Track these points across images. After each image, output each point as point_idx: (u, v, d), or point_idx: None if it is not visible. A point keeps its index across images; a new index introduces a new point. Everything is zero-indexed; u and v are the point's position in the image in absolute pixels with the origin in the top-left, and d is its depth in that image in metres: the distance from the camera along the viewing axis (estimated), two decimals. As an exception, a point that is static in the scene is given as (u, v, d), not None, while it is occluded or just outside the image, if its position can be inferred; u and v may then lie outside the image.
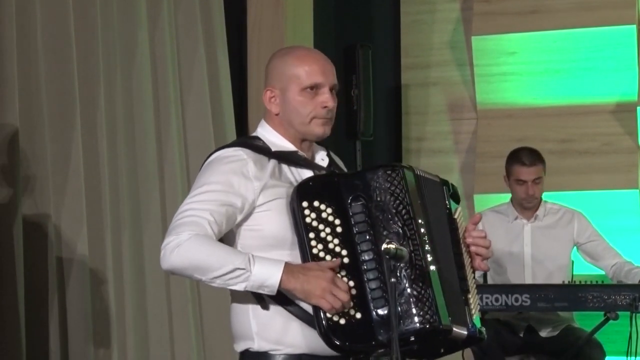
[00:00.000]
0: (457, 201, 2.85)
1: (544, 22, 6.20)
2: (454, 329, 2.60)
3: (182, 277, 2.77)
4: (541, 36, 6.22)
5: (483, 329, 2.74)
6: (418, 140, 6.62)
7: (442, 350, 2.70)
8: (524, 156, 4.97)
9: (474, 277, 2.80)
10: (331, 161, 2.81)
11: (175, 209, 4.65)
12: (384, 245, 2.55)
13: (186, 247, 2.56)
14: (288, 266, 2.56)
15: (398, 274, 2.55)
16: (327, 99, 2.69)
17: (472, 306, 2.73)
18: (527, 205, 5.00)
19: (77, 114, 4.16)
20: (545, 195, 5.19)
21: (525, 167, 4.94)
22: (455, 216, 2.80)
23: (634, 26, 6.06)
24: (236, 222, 2.65)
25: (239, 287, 2.57)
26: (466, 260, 2.77)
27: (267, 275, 2.55)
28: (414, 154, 6.59)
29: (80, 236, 4.12)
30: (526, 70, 6.28)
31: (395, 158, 6.60)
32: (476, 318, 2.73)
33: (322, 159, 2.80)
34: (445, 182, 2.83)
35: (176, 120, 4.80)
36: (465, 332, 2.65)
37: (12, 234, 3.81)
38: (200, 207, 2.62)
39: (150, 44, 4.69)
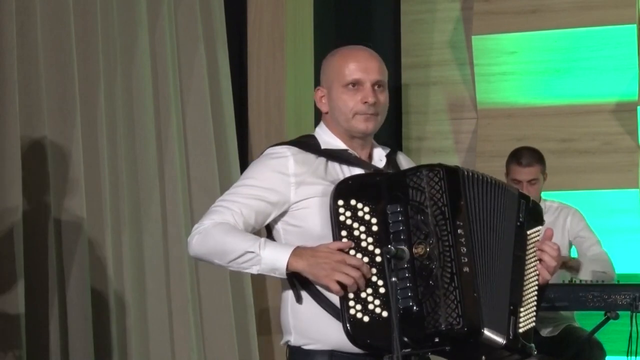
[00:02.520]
0: (538, 221, 2.82)
1: (544, 22, 6.20)
2: (486, 332, 2.58)
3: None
4: (541, 36, 6.22)
5: (532, 345, 2.71)
6: (418, 140, 6.62)
7: (483, 358, 2.66)
8: (522, 156, 4.97)
9: (535, 294, 2.75)
10: (390, 161, 2.83)
11: (175, 207, 4.70)
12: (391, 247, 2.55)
13: (206, 233, 2.67)
14: (297, 249, 2.61)
15: (428, 273, 2.55)
16: (366, 95, 2.75)
17: (521, 319, 2.70)
18: None
19: (77, 113, 4.16)
20: (545, 194, 5.19)
21: (520, 167, 4.94)
22: (529, 232, 2.77)
23: (634, 25, 6.06)
24: (271, 217, 2.73)
25: (253, 270, 2.65)
26: (530, 275, 2.75)
27: (276, 258, 2.61)
28: (414, 154, 6.58)
29: (80, 235, 4.12)
30: (526, 70, 6.28)
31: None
32: (526, 331, 2.70)
33: (380, 159, 2.84)
34: (525, 197, 2.80)
35: (176, 120, 4.80)
36: (502, 340, 2.62)
37: (12, 233, 3.80)
38: (231, 199, 2.73)
39: (150, 43, 4.69)
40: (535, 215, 2.82)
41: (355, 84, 2.76)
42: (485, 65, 6.31)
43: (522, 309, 2.71)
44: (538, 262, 2.78)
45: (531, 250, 2.77)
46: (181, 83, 4.91)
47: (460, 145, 6.51)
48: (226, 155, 5.09)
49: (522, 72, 6.29)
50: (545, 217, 4.96)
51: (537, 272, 2.77)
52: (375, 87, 2.78)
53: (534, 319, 2.76)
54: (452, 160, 6.49)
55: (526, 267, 2.75)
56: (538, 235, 2.81)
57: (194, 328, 4.73)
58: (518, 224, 2.76)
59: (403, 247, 2.56)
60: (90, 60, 4.30)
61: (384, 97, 2.80)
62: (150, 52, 4.68)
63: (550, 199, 5.15)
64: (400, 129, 6.64)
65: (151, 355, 4.54)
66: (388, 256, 2.52)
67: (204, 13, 5.04)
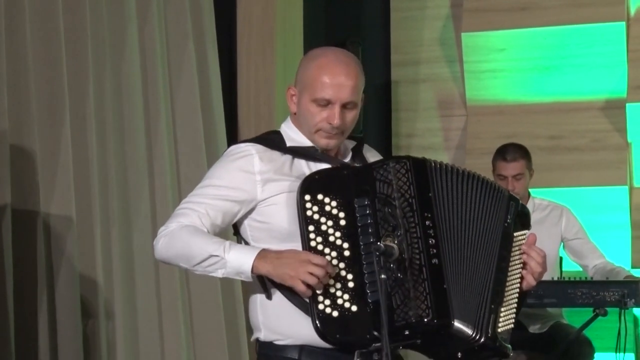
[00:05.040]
0: (525, 225, 2.79)
1: (534, 19, 6.21)
2: (456, 324, 2.57)
3: (172, 267, 2.82)
4: (531, 33, 6.23)
5: (509, 346, 2.68)
6: (408, 137, 6.62)
7: (459, 356, 2.64)
8: (507, 152, 5.02)
9: (516, 297, 2.72)
10: (356, 155, 2.81)
11: (164, 204, 4.69)
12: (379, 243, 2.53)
13: (171, 237, 2.65)
14: (262, 252, 2.60)
15: (396, 267, 2.53)
16: (332, 116, 2.68)
17: (500, 318, 2.67)
18: None
19: (66, 109, 4.15)
20: (534, 192, 5.20)
21: (505, 162, 4.99)
22: (516, 234, 2.74)
23: (623, 23, 6.07)
24: (238, 216, 2.71)
25: (218, 274, 2.63)
26: (513, 276, 2.72)
27: (241, 262, 2.59)
28: (403, 151, 6.59)
29: (70, 232, 4.11)
30: (516, 67, 6.29)
31: (385, 155, 6.57)
32: (504, 332, 2.68)
33: (346, 153, 2.80)
34: (514, 199, 2.77)
35: (166, 116, 4.79)
36: (471, 332, 2.60)
37: (0, 230, 3.79)
38: (196, 200, 2.70)
39: (139, 39, 4.68)
40: (523, 219, 2.79)
41: (325, 101, 2.69)
42: (475, 63, 6.32)
43: (502, 309, 2.69)
44: (522, 266, 2.75)
45: (516, 253, 2.75)
46: (171, 79, 4.90)
47: (449, 142, 6.52)
48: (215, 152, 5.08)
49: (511, 69, 6.30)
50: (535, 215, 5.05)
51: (520, 275, 2.74)
52: (344, 107, 2.70)
53: (513, 320, 2.73)
54: (442, 158, 6.48)
55: (510, 268, 2.73)
56: (524, 239, 2.78)
57: (184, 325, 4.73)
58: (506, 224, 2.73)
59: (392, 244, 2.53)
60: (79, 56, 4.29)
61: (352, 116, 2.72)
62: (139, 49, 4.67)
63: (539, 197, 5.16)
64: (390, 126, 6.65)
65: (141, 352, 4.53)
66: (377, 253, 2.50)
67: (194, 9, 5.04)
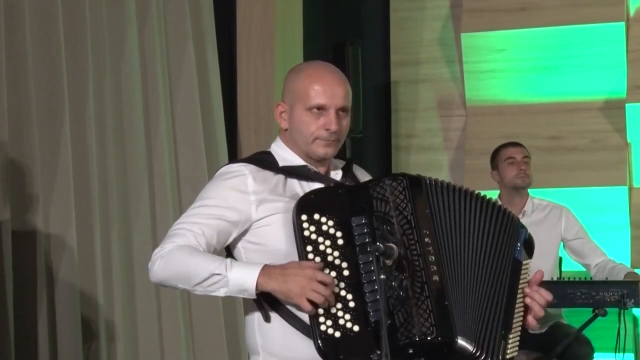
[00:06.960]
0: (530, 253, 2.76)
1: (533, 19, 6.21)
2: (460, 341, 2.53)
3: (171, 289, 2.76)
4: (530, 33, 6.23)
5: None
6: (407, 137, 6.62)
7: None
8: (511, 142, 5.17)
9: (520, 322, 2.69)
10: (347, 174, 2.79)
11: (164, 205, 4.69)
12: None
13: (168, 257, 2.59)
14: (266, 268, 2.55)
15: (398, 285, 2.51)
16: (329, 122, 2.67)
17: (509, 345, 2.63)
18: (520, 185, 5.05)
19: (65, 110, 4.15)
20: (534, 192, 5.21)
21: (514, 147, 5.12)
22: (524, 262, 2.72)
23: (623, 23, 6.08)
24: (232, 236, 2.67)
25: (220, 292, 2.57)
26: (519, 305, 2.69)
27: (245, 279, 2.54)
28: (403, 151, 6.59)
29: (69, 233, 4.11)
30: (515, 67, 6.29)
31: (384, 155, 6.61)
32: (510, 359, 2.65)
33: (336, 172, 2.78)
34: (523, 226, 2.75)
35: (165, 117, 4.79)
36: (473, 349, 2.54)
37: (0, 232, 3.80)
38: (191, 220, 2.65)
39: (139, 40, 4.68)
40: (528, 247, 2.76)
41: (320, 108, 2.67)
42: (475, 63, 6.32)
43: (511, 336, 2.65)
44: (525, 306, 2.71)
45: (522, 281, 2.72)
46: (170, 81, 4.90)
47: (449, 142, 6.52)
48: (215, 153, 5.09)
49: (511, 69, 6.30)
50: (534, 215, 5.06)
51: (523, 304, 2.71)
52: (339, 113, 2.70)
53: (517, 349, 2.68)
54: (442, 158, 6.51)
55: (517, 298, 2.69)
56: (528, 267, 2.75)
57: (183, 326, 4.73)
58: (516, 250, 2.70)
59: (392, 244, 2.50)
60: (79, 57, 4.30)
61: (346, 123, 2.72)
62: (139, 50, 4.67)
63: (539, 197, 5.17)
64: (390, 126, 6.65)
65: (140, 353, 4.54)
66: (377, 254, 2.48)
67: (193, 10, 5.04)
